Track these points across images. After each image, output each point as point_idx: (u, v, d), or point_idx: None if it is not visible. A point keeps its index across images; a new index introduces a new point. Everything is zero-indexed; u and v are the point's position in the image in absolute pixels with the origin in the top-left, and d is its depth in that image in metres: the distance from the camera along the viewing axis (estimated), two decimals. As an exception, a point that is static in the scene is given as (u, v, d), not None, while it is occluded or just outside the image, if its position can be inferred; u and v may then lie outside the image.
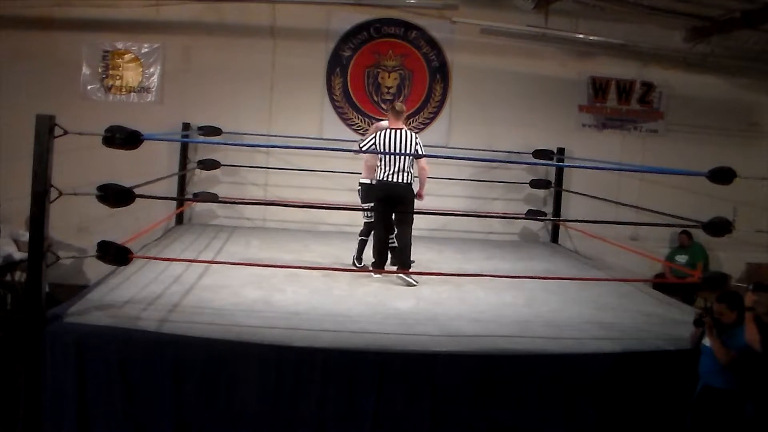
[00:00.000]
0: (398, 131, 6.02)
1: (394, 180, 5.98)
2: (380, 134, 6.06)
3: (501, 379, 4.29)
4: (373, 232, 6.36)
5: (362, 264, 6.47)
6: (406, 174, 6.00)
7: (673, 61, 8.99)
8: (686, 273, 7.63)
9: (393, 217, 6.23)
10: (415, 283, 5.85)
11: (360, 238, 6.57)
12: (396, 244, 6.20)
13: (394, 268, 6.09)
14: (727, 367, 4.06)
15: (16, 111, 7.31)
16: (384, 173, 6.02)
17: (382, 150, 5.99)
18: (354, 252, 6.53)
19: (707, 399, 4.13)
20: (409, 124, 8.60)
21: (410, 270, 6.02)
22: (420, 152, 6.03)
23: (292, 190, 8.36)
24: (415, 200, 6.18)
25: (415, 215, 6.22)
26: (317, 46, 8.61)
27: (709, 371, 4.15)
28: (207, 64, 8.43)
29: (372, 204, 6.33)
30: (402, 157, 5.93)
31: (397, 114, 6.13)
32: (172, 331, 4.22)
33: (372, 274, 6.12)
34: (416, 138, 6.08)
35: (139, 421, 4.13)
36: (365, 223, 6.55)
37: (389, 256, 6.33)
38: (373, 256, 6.23)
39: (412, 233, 6.15)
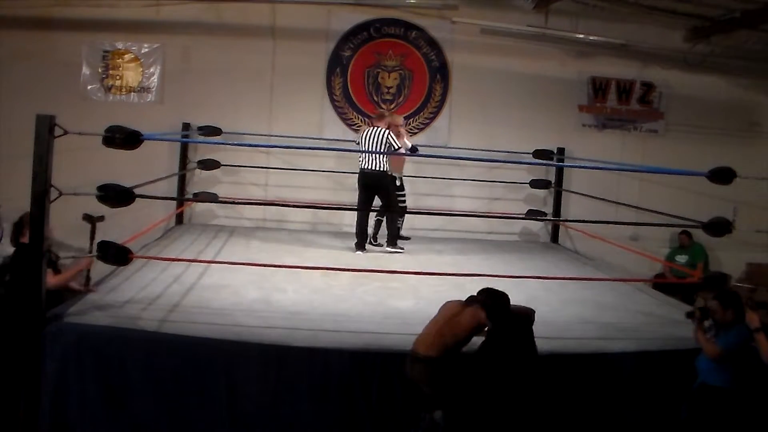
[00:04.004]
0: (374, 129, 7.24)
1: (368, 167, 7.15)
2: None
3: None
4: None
5: (377, 242, 7.63)
6: (378, 162, 7.12)
7: (673, 61, 8.99)
8: (686, 273, 7.63)
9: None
10: (401, 250, 7.33)
11: (376, 218, 7.67)
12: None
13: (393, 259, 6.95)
14: (718, 363, 4.09)
15: (16, 111, 7.32)
16: (361, 162, 7.24)
17: (361, 144, 7.24)
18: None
19: (703, 396, 4.15)
20: (409, 124, 8.67)
21: (399, 241, 7.44)
22: (392, 145, 7.10)
23: (292, 190, 8.36)
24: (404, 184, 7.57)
25: (414, 215, 7.22)
26: (317, 46, 8.61)
27: (705, 368, 4.18)
28: (207, 64, 8.43)
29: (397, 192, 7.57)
30: (375, 148, 7.10)
31: (378, 117, 7.45)
32: (172, 331, 4.23)
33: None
34: (387, 134, 7.13)
35: (139, 420, 4.13)
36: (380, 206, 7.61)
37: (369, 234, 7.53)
38: (356, 237, 7.29)
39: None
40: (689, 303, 6.31)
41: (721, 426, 4.07)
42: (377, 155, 7.13)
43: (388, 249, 7.34)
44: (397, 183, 7.66)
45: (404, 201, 7.79)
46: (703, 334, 4.20)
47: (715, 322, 4.23)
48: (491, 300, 3.88)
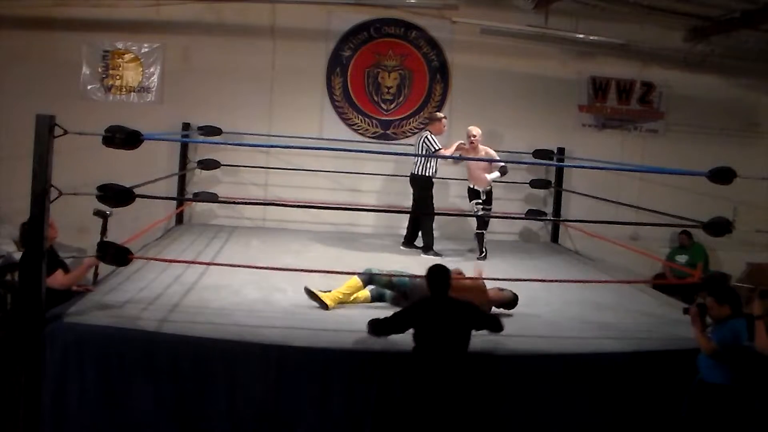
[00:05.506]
0: (423, 132, 7.64)
1: (412, 171, 7.54)
2: None
3: (501, 379, 4.29)
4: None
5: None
6: (416, 165, 7.48)
7: (673, 61, 8.98)
8: (686, 273, 7.62)
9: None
10: (439, 254, 7.29)
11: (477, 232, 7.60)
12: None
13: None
14: (714, 359, 4.11)
15: (16, 111, 7.30)
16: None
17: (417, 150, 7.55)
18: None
19: (702, 393, 4.16)
20: (409, 124, 8.65)
21: (432, 250, 7.42)
22: (429, 148, 7.35)
23: (292, 190, 8.35)
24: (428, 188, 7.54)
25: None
26: (317, 46, 8.61)
27: (704, 365, 4.19)
28: (207, 64, 8.43)
29: (477, 201, 7.55)
30: (417, 152, 7.49)
31: (430, 120, 7.84)
32: (172, 331, 4.23)
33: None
34: (425, 136, 7.48)
35: (139, 420, 4.13)
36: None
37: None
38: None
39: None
40: (689, 303, 6.32)
41: (720, 423, 4.08)
42: (419, 158, 7.39)
43: (422, 255, 7.35)
44: (482, 197, 7.48)
45: (488, 211, 7.60)
46: (700, 330, 4.21)
47: (711, 318, 4.24)
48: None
